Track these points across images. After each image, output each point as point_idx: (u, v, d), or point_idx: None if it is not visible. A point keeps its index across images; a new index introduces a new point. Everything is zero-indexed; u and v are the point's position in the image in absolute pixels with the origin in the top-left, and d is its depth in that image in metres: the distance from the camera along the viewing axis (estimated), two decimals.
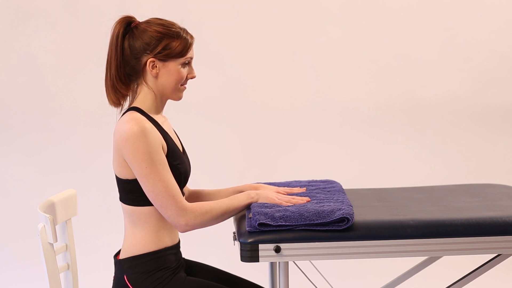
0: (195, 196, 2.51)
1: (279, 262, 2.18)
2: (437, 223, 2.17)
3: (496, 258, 2.28)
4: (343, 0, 4.79)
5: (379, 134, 4.84)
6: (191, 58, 2.32)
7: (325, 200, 2.31)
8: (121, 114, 2.33)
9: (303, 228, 2.14)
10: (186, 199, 2.41)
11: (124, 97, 2.32)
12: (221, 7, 4.78)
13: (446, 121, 4.84)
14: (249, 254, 2.13)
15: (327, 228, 2.13)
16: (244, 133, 4.84)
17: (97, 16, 4.80)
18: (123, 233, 2.64)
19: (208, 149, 4.80)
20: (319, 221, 2.13)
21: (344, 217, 2.13)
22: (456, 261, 3.52)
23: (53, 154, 4.84)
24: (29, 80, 4.84)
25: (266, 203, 2.27)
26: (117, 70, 2.28)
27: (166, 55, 2.27)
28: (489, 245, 2.15)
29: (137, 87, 2.32)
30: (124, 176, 2.25)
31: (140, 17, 2.41)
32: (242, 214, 2.36)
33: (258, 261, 2.13)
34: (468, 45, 4.80)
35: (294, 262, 2.24)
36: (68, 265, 2.47)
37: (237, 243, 2.24)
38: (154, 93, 2.30)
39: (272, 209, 2.20)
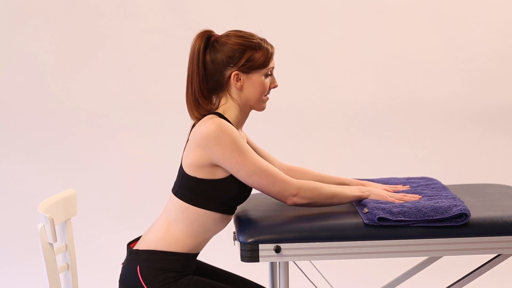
0: (296, 175, 2.51)
1: (279, 262, 2.18)
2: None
3: (496, 258, 2.28)
4: (344, 0, 4.79)
5: (379, 134, 4.84)
6: (273, 68, 2.33)
7: (435, 197, 2.33)
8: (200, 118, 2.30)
9: (420, 224, 2.14)
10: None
11: (206, 111, 2.30)
12: (221, 7, 4.78)
13: (446, 121, 4.84)
14: (249, 254, 2.13)
15: (444, 224, 2.14)
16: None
17: (97, 16, 4.80)
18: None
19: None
20: (438, 217, 2.14)
21: (462, 213, 2.14)
22: (456, 261, 3.52)
23: (53, 154, 4.84)
24: (29, 80, 4.84)
25: (379, 200, 2.28)
26: (199, 85, 2.28)
27: (250, 67, 2.27)
28: (489, 245, 2.15)
29: (220, 99, 2.31)
30: (193, 173, 2.24)
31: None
32: (243, 214, 2.36)
33: (258, 261, 2.13)
34: (468, 45, 4.80)
35: (294, 262, 2.24)
36: (67, 265, 2.47)
37: (237, 243, 2.24)
38: (239, 105, 2.31)
39: (388, 205, 2.22)
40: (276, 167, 2.41)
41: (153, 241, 2.27)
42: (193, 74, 2.28)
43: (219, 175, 2.24)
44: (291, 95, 4.84)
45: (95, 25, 4.80)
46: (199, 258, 2.52)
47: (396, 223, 2.14)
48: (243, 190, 2.28)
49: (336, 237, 2.13)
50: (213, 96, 2.32)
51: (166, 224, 2.28)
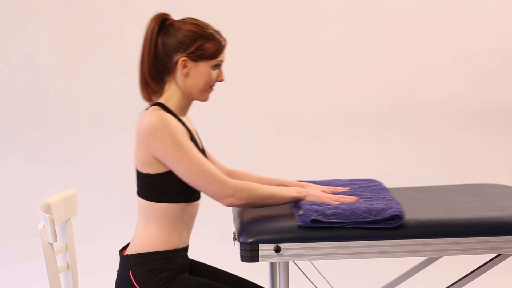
0: (235, 177, 2.51)
1: (279, 262, 2.18)
2: (437, 223, 2.17)
3: (496, 258, 2.28)
4: (344, 0, 4.79)
5: (379, 134, 4.84)
6: (222, 61, 2.33)
7: (373, 199, 2.32)
8: (145, 110, 2.32)
9: (354, 226, 2.14)
10: None
11: (155, 93, 2.32)
12: (221, 7, 4.78)
13: (446, 121, 4.84)
14: (249, 254, 2.13)
15: (378, 226, 2.14)
16: (244, 133, 4.84)
17: (97, 16, 4.80)
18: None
19: (207, 149, 4.80)
20: (371, 219, 2.13)
21: (396, 215, 2.13)
22: (456, 261, 3.52)
23: (53, 154, 4.84)
24: (29, 80, 4.84)
25: (315, 202, 2.28)
26: (149, 66, 2.29)
27: (199, 56, 2.28)
28: (489, 245, 2.15)
29: (165, 84, 2.32)
30: (145, 170, 2.25)
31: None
32: (243, 214, 2.36)
33: (258, 261, 2.13)
34: (468, 45, 4.81)
35: (294, 262, 2.24)
36: (68, 265, 2.47)
37: (237, 243, 2.24)
38: (182, 92, 2.32)
39: (323, 207, 2.21)
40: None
41: (138, 244, 2.28)
42: (144, 55, 2.30)
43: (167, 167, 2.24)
44: (291, 94, 4.84)
45: (95, 25, 4.80)
46: (198, 258, 2.52)
47: (329, 225, 2.13)
48: None
49: (336, 237, 2.13)
50: (163, 80, 2.32)
51: (142, 226, 2.29)
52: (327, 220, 2.13)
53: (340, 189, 2.48)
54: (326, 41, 4.82)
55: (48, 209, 2.34)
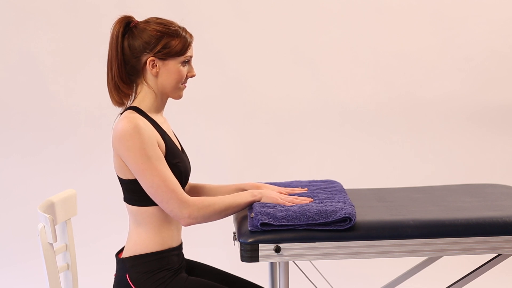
0: (196, 191, 2.51)
1: (279, 262, 2.18)
2: (437, 223, 2.17)
3: (496, 258, 2.28)
4: (344, 0, 4.79)
5: (379, 134, 4.84)
6: (191, 57, 2.32)
7: (327, 200, 2.32)
8: (120, 114, 2.33)
9: (305, 228, 2.14)
10: (187, 193, 2.41)
11: (127, 96, 2.31)
12: (221, 7, 4.78)
13: (446, 121, 4.84)
14: (249, 254, 2.13)
15: (329, 228, 2.13)
16: (244, 133, 4.84)
17: (97, 16, 4.80)
18: (123, 233, 2.64)
19: (208, 149, 4.80)
20: (321, 221, 2.13)
21: (346, 217, 2.13)
22: (456, 261, 3.52)
23: (53, 154, 4.85)
24: (29, 80, 4.84)
25: (268, 203, 2.27)
26: (118, 70, 2.28)
27: (166, 54, 2.27)
28: (489, 245, 2.15)
29: (137, 86, 2.32)
30: (125, 176, 2.26)
31: (141, 18, 2.41)
32: (243, 214, 2.37)
33: (258, 261, 2.13)
34: (468, 45, 4.81)
35: (294, 262, 2.24)
36: (68, 265, 2.47)
37: (237, 243, 2.24)
38: (155, 92, 2.30)
39: (274, 209, 2.20)
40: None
41: (132, 247, 2.28)
42: (112, 59, 2.28)
43: None
44: (290, 94, 4.84)
45: (95, 25, 4.80)
46: (198, 258, 2.52)
47: (279, 228, 2.13)
48: (178, 174, 2.26)
49: (336, 237, 2.13)
50: (133, 83, 2.31)
51: (134, 229, 2.29)
52: (277, 223, 2.13)
53: (297, 190, 2.48)
54: (325, 41, 4.82)
55: (48, 209, 2.34)
